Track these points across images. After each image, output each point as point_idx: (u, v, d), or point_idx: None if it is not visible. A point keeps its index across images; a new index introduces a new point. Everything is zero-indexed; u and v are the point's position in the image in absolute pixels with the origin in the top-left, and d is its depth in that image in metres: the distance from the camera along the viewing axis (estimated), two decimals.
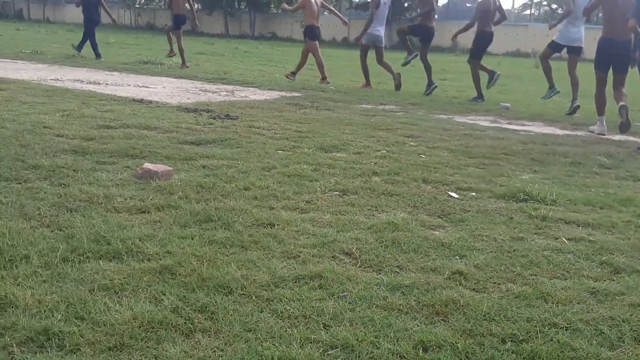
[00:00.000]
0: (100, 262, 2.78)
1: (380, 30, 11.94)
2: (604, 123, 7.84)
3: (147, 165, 4.28)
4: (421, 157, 5.51)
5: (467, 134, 6.94)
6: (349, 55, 23.78)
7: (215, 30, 53.23)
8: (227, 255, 2.95)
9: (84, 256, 2.83)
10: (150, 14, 55.15)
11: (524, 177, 4.94)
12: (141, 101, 7.96)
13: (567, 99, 9.84)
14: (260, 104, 8.46)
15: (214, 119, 6.85)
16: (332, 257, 3.03)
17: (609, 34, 7.84)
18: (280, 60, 20.28)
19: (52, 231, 3.11)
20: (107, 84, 9.95)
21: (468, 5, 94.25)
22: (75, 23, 17.12)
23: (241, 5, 54.94)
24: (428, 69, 11.63)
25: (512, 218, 3.83)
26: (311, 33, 12.59)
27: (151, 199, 3.71)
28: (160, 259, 2.84)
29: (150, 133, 5.76)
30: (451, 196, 4.27)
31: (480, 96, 10.91)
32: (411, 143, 6.18)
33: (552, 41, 9.97)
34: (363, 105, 9.15)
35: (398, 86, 11.79)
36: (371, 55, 12.01)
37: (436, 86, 11.56)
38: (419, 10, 12.07)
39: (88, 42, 15.16)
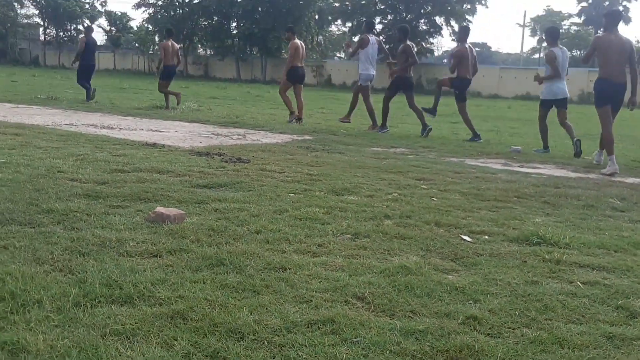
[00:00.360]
0: (112, 306, 2.77)
1: (372, 70, 12.29)
2: (615, 162, 7.89)
3: (160, 208, 4.30)
4: (433, 200, 5.50)
5: (478, 177, 6.93)
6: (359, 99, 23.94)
7: (227, 75, 54.05)
8: (239, 300, 2.93)
9: (96, 301, 2.82)
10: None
11: (536, 220, 4.91)
12: (154, 145, 8.04)
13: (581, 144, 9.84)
14: (272, 147, 8.52)
15: (226, 162, 6.89)
16: (345, 301, 3.01)
17: (606, 76, 8.28)
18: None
19: (64, 275, 3.12)
20: (120, 128, 10.07)
21: (477, 49, 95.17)
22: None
23: (253, 51, 55.81)
24: (419, 114, 11.92)
25: (525, 262, 3.80)
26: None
27: (163, 243, 3.72)
28: (172, 304, 2.83)
29: (162, 177, 5.80)
30: (464, 239, 4.25)
31: (476, 135, 11.31)
32: (423, 186, 6.18)
33: (541, 100, 10.51)
34: (374, 148, 9.19)
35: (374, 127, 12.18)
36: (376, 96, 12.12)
37: (431, 128, 11.79)
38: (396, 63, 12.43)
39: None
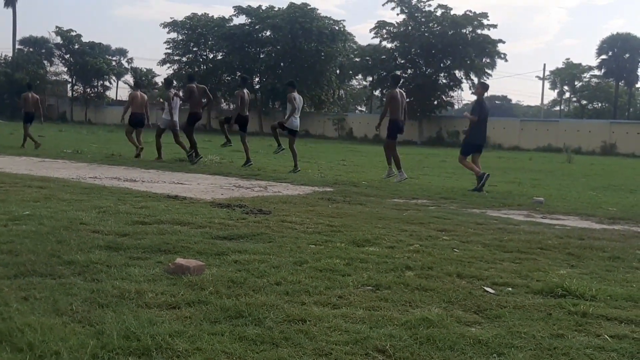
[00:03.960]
0: (129, 358, 2.75)
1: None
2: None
3: (179, 260, 4.30)
4: (455, 251, 5.43)
5: (500, 228, 6.86)
6: (380, 152, 24.04)
7: (249, 128, 54.63)
8: (257, 353, 2.89)
9: (114, 352, 2.80)
10: (185, 115, 57.27)
11: (561, 272, 4.82)
12: (176, 197, 8.09)
13: (604, 193, 9.73)
14: (293, 199, 8.53)
15: (247, 214, 6.91)
16: (365, 354, 2.95)
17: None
18: (313, 157, 20.61)
19: (83, 327, 3.10)
20: (142, 181, 10.19)
21: (497, 102, 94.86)
22: (116, 124, 17.83)
23: (275, 104, 56.65)
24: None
25: (550, 314, 3.71)
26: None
27: (182, 295, 3.70)
28: (190, 356, 2.79)
29: (183, 228, 5.82)
30: (487, 291, 4.17)
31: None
32: (444, 237, 6.12)
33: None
34: (395, 200, 9.17)
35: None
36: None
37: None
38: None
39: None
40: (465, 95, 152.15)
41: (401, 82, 13.79)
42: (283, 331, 3.18)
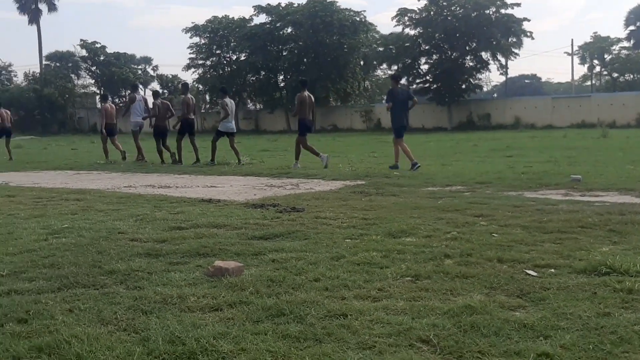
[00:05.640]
0: None
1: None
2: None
3: (218, 262, 4.34)
4: (494, 236, 5.37)
5: (539, 210, 6.76)
6: (411, 140, 23.91)
7: (277, 127, 54.93)
8: (301, 350, 2.89)
9: (160, 358, 2.83)
10: (215, 118, 57.73)
11: (604, 250, 4.73)
12: (210, 201, 8.16)
13: None
14: (326, 195, 8.53)
15: (281, 212, 6.93)
16: (409, 345, 2.93)
17: None
18: (343, 151, 20.59)
19: (128, 335, 3.15)
20: (177, 186, 10.29)
21: (527, 81, 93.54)
22: (146, 132, 18.09)
23: None
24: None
25: (595, 293, 3.64)
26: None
27: (223, 296, 3.73)
28: (235, 357, 2.81)
29: (219, 231, 5.86)
30: (529, 274, 4.12)
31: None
32: (482, 222, 6.05)
33: None
34: (429, 188, 9.10)
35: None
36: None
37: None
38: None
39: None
40: (493, 77, 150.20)
41: (307, 85, 14.73)
42: (325, 327, 3.18)
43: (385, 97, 13.77)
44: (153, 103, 17.05)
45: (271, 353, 2.84)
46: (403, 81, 56.47)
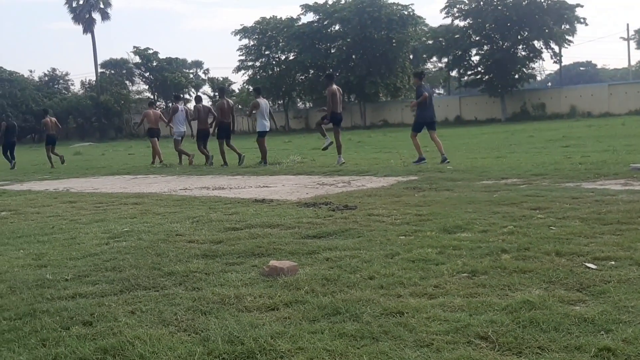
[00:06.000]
0: None
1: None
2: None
3: (273, 262, 4.38)
4: (551, 229, 5.26)
5: (598, 201, 6.59)
6: (464, 133, 23.63)
7: (327, 125, 54.91)
8: (358, 348, 2.90)
9: (220, 358, 2.88)
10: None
11: None
12: (263, 201, 8.24)
13: None
14: (378, 192, 8.51)
15: (333, 210, 6.94)
16: (468, 342, 2.90)
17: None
18: (395, 146, 20.48)
19: (189, 335, 3.22)
20: (230, 188, 10.43)
21: (582, 68, 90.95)
22: (194, 135, 18.52)
23: (351, 98, 56.59)
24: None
25: None
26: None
27: (279, 296, 3.76)
28: (293, 356, 2.84)
29: (273, 231, 5.92)
30: (588, 267, 4.02)
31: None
32: (539, 215, 5.93)
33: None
34: (484, 182, 8.97)
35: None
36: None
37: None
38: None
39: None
40: (547, 66, 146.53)
41: (334, 78, 14.92)
42: (381, 325, 3.18)
43: (415, 94, 14.02)
44: (195, 107, 17.62)
45: (328, 352, 2.86)
46: (453, 73, 55.96)
